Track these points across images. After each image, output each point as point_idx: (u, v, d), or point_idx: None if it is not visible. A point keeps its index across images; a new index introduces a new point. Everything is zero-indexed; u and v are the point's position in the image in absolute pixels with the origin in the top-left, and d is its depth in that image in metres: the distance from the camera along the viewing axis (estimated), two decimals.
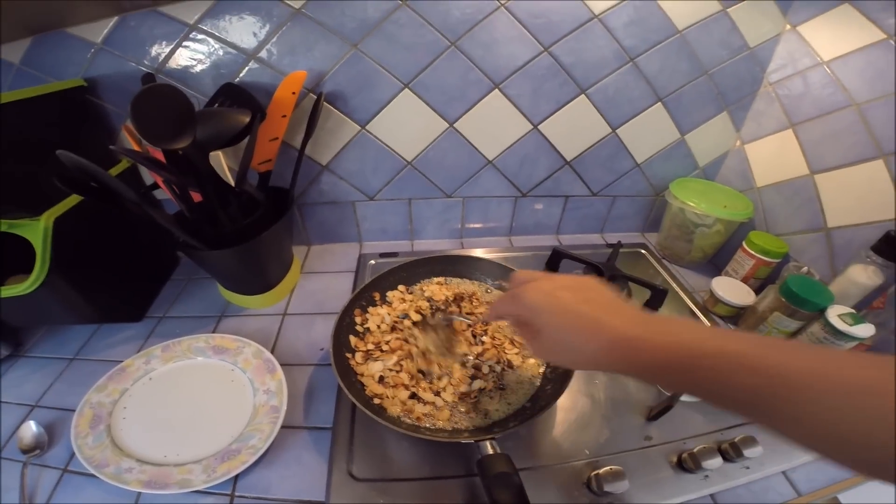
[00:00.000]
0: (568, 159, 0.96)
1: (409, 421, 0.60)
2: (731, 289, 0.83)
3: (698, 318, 0.85)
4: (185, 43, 0.74)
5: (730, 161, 1.01)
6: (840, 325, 0.64)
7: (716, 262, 0.99)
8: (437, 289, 0.80)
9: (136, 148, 0.74)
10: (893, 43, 0.67)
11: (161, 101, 0.56)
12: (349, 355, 0.67)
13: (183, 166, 0.65)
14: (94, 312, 0.75)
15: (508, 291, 0.48)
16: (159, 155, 0.65)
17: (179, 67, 0.77)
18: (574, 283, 0.44)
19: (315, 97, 0.79)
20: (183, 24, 0.73)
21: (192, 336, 0.73)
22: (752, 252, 0.83)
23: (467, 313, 0.75)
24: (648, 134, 0.94)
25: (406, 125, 0.86)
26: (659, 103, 0.90)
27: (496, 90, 0.84)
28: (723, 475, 0.58)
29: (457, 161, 0.93)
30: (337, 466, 0.57)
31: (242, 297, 0.84)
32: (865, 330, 0.63)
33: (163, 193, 0.77)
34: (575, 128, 0.91)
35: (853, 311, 0.66)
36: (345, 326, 0.70)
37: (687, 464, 0.58)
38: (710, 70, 0.87)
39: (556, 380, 0.64)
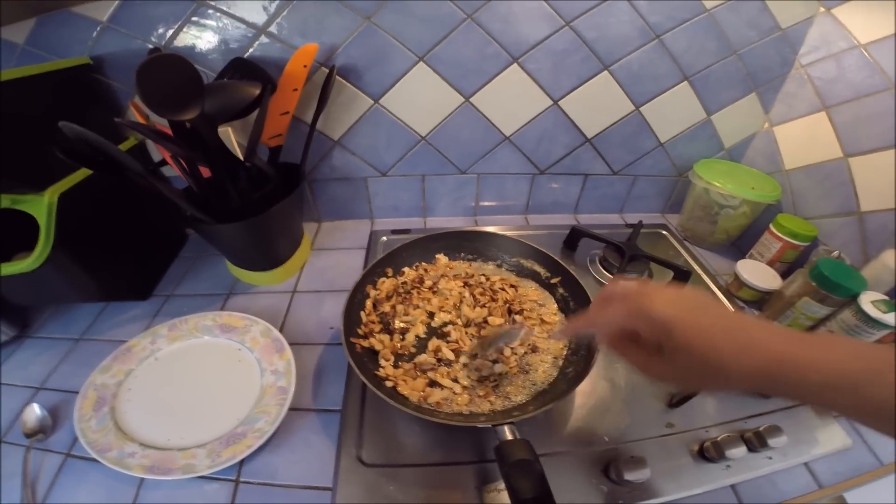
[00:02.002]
0: (588, 137, 0.92)
1: (426, 406, 0.58)
2: (757, 272, 0.80)
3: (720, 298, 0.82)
4: (193, 18, 0.72)
5: (757, 143, 0.97)
6: (873, 313, 0.60)
7: (739, 245, 0.96)
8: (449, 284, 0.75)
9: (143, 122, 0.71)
10: None
11: (167, 70, 0.54)
12: (361, 333, 0.66)
13: (191, 140, 0.63)
14: (99, 290, 0.73)
15: (622, 303, 0.41)
16: (167, 130, 0.63)
17: (187, 44, 0.75)
18: (698, 296, 0.39)
19: (327, 71, 0.76)
20: (190, 0, 0.71)
21: (198, 314, 0.71)
22: (780, 235, 0.80)
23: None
24: (673, 113, 0.91)
25: (420, 99, 0.84)
26: (685, 82, 0.86)
27: (515, 64, 0.80)
28: (745, 465, 0.56)
29: (472, 137, 0.90)
30: (346, 451, 0.56)
31: (251, 273, 0.82)
32: None
33: (171, 171, 0.76)
34: (597, 105, 0.88)
35: (887, 297, 0.63)
36: (356, 303, 0.68)
37: (709, 453, 0.56)
38: (739, 50, 0.84)
39: (578, 362, 0.62)
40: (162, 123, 0.66)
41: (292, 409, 0.59)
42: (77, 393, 0.60)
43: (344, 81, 0.80)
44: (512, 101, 0.85)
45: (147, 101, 0.53)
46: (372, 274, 0.73)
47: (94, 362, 0.64)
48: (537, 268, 0.77)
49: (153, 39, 0.73)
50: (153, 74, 0.52)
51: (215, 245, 0.79)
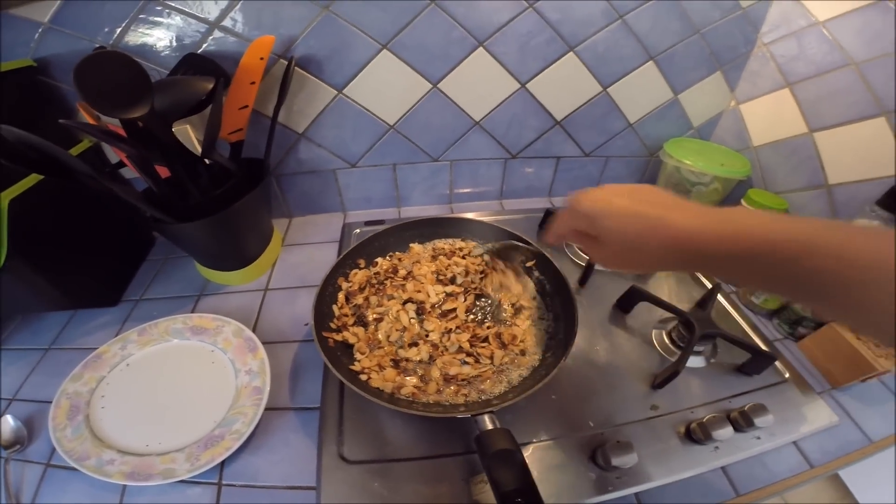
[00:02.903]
0: (558, 119, 0.92)
1: (401, 397, 0.57)
2: None
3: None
4: (140, 16, 0.69)
5: (724, 121, 0.98)
6: None
7: None
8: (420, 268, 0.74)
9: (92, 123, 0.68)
10: (892, 4, 0.66)
11: (109, 68, 0.52)
12: (334, 327, 0.65)
13: (145, 139, 0.61)
14: (64, 298, 0.71)
15: (564, 207, 0.47)
16: (121, 131, 0.61)
17: (137, 42, 0.71)
18: (628, 188, 0.43)
19: (286, 63, 0.74)
20: None
21: (168, 317, 0.69)
22: (752, 209, 0.80)
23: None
24: (641, 93, 0.91)
25: (386, 87, 0.82)
26: (651, 62, 0.86)
27: (481, 48, 0.79)
28: (733, 446, 0.56)
29: (442, 123, 0.88)
30: (326, 449, 0.55)
31: (221, 273, 0.80)
32: None
33: (131, 173, 0.73)
34: (564, 86, 0.87)
35: None
36: (328, 296, 0.67)
37: (696, 434, 0.56)
38: (703, 29, 0.84)
39: (557, 346, 0.62)
40: (116, 124, 0.63)
41: (269, 408, 0.58)
42: (50, 403, 0.59)
43: (305, 73, 0.78)
44: (480, 85, 0.84)
45: (90, 101, 0.51)
46: (343, 266, 0.72)
47: (66, 371, 0.62)
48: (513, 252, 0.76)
49: (100, 39, 0.70)
50: (93, 73, 0.50)
51: (180, 245, 0.77)
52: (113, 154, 0.80)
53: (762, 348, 0.67)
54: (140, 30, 0.70)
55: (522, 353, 0.63)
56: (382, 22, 0.74)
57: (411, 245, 0.79)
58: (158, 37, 0.71)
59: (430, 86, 0.82)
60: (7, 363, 0.69)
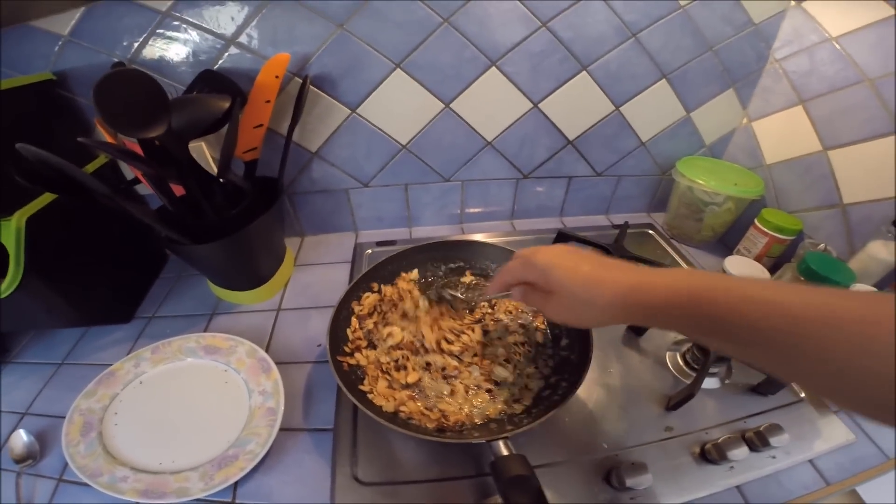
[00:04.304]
0: (570, 139, 0.92)
1: (413, 422, 0.57)
2: (745, 268, 0.79)
3: None
4: (158, 31, 0.70)
5: (737, 138, 0.98)
6: None
7: (726, 242, 0.96)
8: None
9: (110, 141, 0.69)
10: None
11: (128, 86, 0.52)
12: (347, 350, 0.65)
13: (161, 157, 0.61)
14: (78, 315, 0.71)
15: (514, 260, 0.51)
16: (137, 147, 0.61)
17: (154, 57, 0.73)
18: (574, 249, 0.48)
19: (301, 81, 0.75)
20: (155, 12, 0.69)
21: (182, 336, 0.70)
22: (766, 230, 0.80)
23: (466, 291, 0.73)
24: (653, 112, 0.91)
25: (399, 107, 0.82)
26: (663, 80, 0.86)
27: (493, 68, 0.80)
28: (749, 465, 0.56)
29: (454, 143, 0.89)
30: (340, 470, 0.55)
31: (234, 293, 0.80)
32: None
33: (146, 189, 0.73)
34: (577, 106, 0.87)
35: (875, 289, 0.63)
36: (342, 320, 0.67)
37: (711, 455, 0.56)
38: (715, 46, 0.84)
39: (572, 371, 0.61)
40: (131, 140, 0.64)
41: (283, 429, 0.58)
42: (63, 418, 0.59)
43: (319, 91, 0.79)
44: (492, 105, 0.85)
45: (109, 120, 0.51)
46: (357, 289, 0.71)
47: (79, 386, 0.63)
48: None
49: (118, 53, 0.72)
50: (112, 91, 0.50)
51: (194, 265, 0.77)
52: (129, 170, 0.81)
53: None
54: (157, 45, 0.72)
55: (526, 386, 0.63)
56: (396, 41, 0.75)
57: (400, 275, 0.77)
58: (175, 52, 0.73)
59: (443, 105, 0.83)
60: (20, 377, 0.70)
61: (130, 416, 0.61)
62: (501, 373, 0.63)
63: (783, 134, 0.86)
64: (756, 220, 0.82)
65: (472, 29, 0.75)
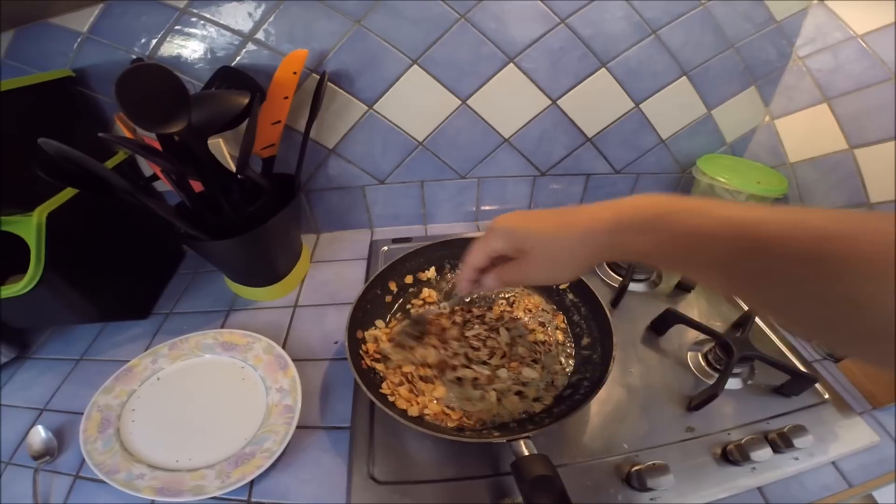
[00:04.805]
0: (589, 136, 0.91)
1: (431, 420, 0.57)
2: None
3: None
4: (176, 27, 0.70)
5: (759, 137, 0.96)
6: None
7: None
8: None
9: (129, 136, 0.69)
10: None
11: (149, 81, 0.52)
12: (364, 342, 0.65)
13: (180, 153, 0.61)
14: (96, 311, 0.72)
15: (473, 243, 0.50)
16: (156, 144, 0.61)
17: (172, 54, 0.73)
18: (535, 210, 0.47)
19: (318, 77, 0.74)
20: (173, 9, 0.69)
21: (199, 332, 0.70)
22: None
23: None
24: (673, 109, 0.90)
25: (416, 104, 0.82)
26: (684, 77, 0.85)
27: (511, 64, 0.79)
28: (771, 466, 0.55)
29: (471, 140, 0.88)
30: (357, 469, 0.54)
31: (251, 289, 0.80)
32: None
33: (163, 185, 0.74)
34: (596, 103, 0.86)
35: None
36: (359, 318, 0.66)
37: (733, 455, 0.55)
38: (737, 44, 0.82)
39: (594, 370, 0.61)
40: (150, 136, 0.64)
41: (300, 427, 0.58)
42: (81, 414, 0.59)
43: (336, 87, 0.78)
44: (509, 102, 0.84)
45: (130, 115, 0.51)
46: (374, 287, 0.70)
47: (97, 382, 0.63)
48: None
49: (136, 50, 0.72)
50: (134, 86, 0.50)
51: (212, 261, 0.77)
52: (148, 167, 0.81)
53: (801, 370, 0.65)
54: (176, 41, 0.72)
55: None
56: (413, 37, 0.74)
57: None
58: (193, 48, 0.73)
59: (460, 102, 0.82)
60: (39, 373, 0.71)
61: (147, 412, 0.62)
62: (530, 373, 0.63)
63: (807, 132, 0.84)
64: None
65: (489, 25, 0.74)
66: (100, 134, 0.55)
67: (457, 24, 0.73)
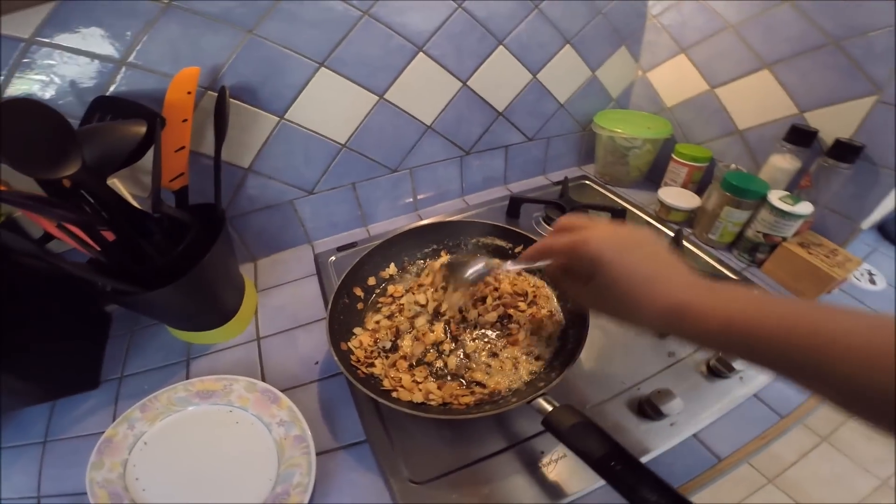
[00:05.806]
0: (500, 110, 0.96)
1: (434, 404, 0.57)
2: (678, 196, 0.90)
3: (656, 227, 0.92)
4: (24, 60, 0.57)
5: (637, 89, 1.09)
6: (784, 207, 0.71)
7: (652, 178, 1.07)
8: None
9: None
10: None
11: (25, 120, 0.44)
12: (351, 353, 0.64)
13: (76, 201, 0.54)
14: (40, 390, 0.63)
15: (567, 235, 0.45)
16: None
17: (24, 91, 0.59)
18: (635, 239, 0.43)
19: (216, 94, 0.68)
20: (16, 41, 0.56)
21: (168, 388, 0.62)
22: (683, 161, 0.92)
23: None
24: (564, 75, 0.98)
25: (331, 106, 0.79)
26: (567, 45, 0.93)
27: (421, 53, 0.80)
28: (755, 374, 0.62)
29: (395, 133, 0.88)
30: (393, 477, 0.53)
31: (203, 334, 0.72)
32: (805, 207, 0.71)
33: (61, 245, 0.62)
34: (500, 79, 0.91)
35: (789, 193, 0.74)
36: (337, 331, 0.64)
37: (718, 369, 0.61)
38: (603, 10, 0.92)
39: (575, 319, 0.65)
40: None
41: (318, 453, 0.55)
42: (80, 494, 0.53)
43: (240, 102, 0.72)
44: (425, 89, 0.85)
45: (11, 161, 0.43)
46: (340, 297, 0.67)
47: (77, 461, 0.56)
48: (499, 242, 0.79)
49: None
50: (9, 127, 0.42)
51: (150, 314, 0.68)
52: (31, 227, 0.68)
53: (733, 279, 0.76)
54: (29, 76, 0.58)
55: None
56: (315, 40, 0.72)
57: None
58: (52, 82, 0.60)
59: (377, 97, 0.81)
60: (9, 463, 0.60)
61: (154, 478, 0.55)
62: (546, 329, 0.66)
63: (675, 80, 0.98)
64: (673, 155, 0.93)
65: (394, 19, 0.74)
66: None
67: (361, 22, 0.72)
